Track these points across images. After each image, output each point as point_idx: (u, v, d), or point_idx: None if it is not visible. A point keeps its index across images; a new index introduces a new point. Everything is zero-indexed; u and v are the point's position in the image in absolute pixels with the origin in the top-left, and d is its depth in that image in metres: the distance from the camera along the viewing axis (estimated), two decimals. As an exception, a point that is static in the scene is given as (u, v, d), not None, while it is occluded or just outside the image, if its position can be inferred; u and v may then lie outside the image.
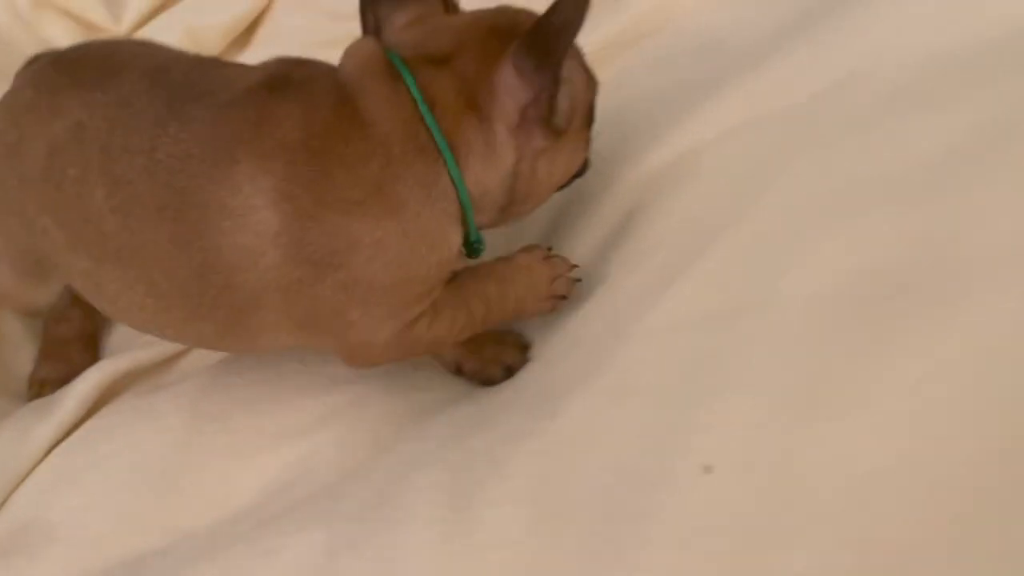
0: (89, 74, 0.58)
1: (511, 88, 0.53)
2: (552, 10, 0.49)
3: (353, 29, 0.60)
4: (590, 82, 0.59)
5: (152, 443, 0.62)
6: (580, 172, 0.63)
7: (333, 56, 0.57)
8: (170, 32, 0.96)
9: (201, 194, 0.52)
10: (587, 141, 0.61)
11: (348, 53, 0.56)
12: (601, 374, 0.51)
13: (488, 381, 0.63)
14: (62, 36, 1.00)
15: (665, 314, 0.52)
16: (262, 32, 1.01)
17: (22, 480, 0.63)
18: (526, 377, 0.59)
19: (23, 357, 0.77)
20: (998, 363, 0.38)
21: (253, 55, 0.98)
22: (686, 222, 0.58)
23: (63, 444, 0.64)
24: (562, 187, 0.62)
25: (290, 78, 0.54)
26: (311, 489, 0.57)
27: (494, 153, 0.54)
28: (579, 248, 0.66)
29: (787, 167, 0.55)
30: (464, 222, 0.55)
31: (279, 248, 0.51)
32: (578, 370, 0.53)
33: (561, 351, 0.59)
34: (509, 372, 0.62)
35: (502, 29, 0.55)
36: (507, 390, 0.59)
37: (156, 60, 0.58)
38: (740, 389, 0.44)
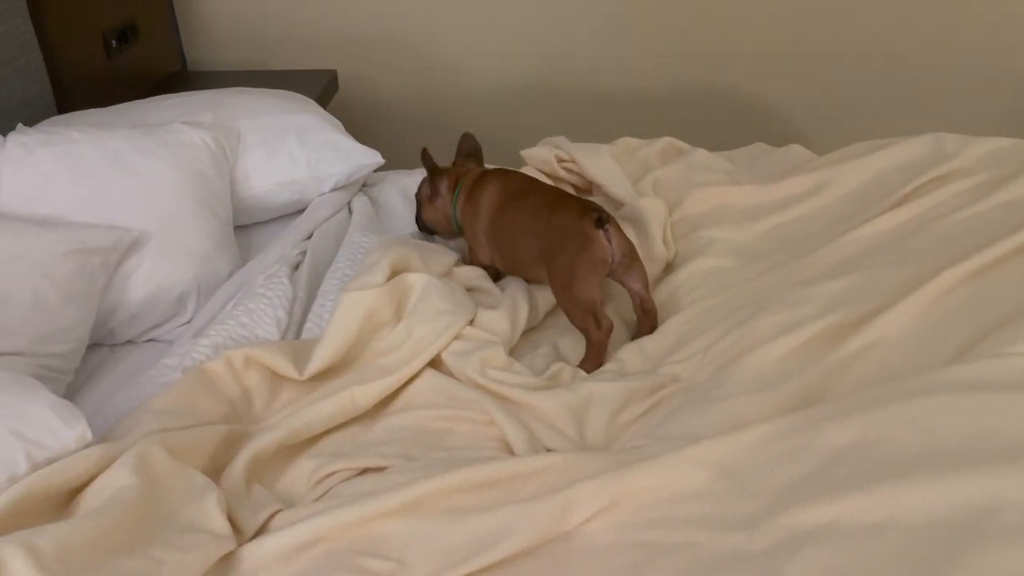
0: None
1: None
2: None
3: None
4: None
5: None
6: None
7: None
8: (339, 395, 1.29)
9: None
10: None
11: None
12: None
13: None
14: (259, 384, 1.35)
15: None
16: (403, 399, 1.35)
17: None
18: None
19: None
20: None
21: (392, 418, 1.33)
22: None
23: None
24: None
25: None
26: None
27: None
28: None
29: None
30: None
31: None
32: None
33: None
34: None
35: None
36: None
37: None
38: None
